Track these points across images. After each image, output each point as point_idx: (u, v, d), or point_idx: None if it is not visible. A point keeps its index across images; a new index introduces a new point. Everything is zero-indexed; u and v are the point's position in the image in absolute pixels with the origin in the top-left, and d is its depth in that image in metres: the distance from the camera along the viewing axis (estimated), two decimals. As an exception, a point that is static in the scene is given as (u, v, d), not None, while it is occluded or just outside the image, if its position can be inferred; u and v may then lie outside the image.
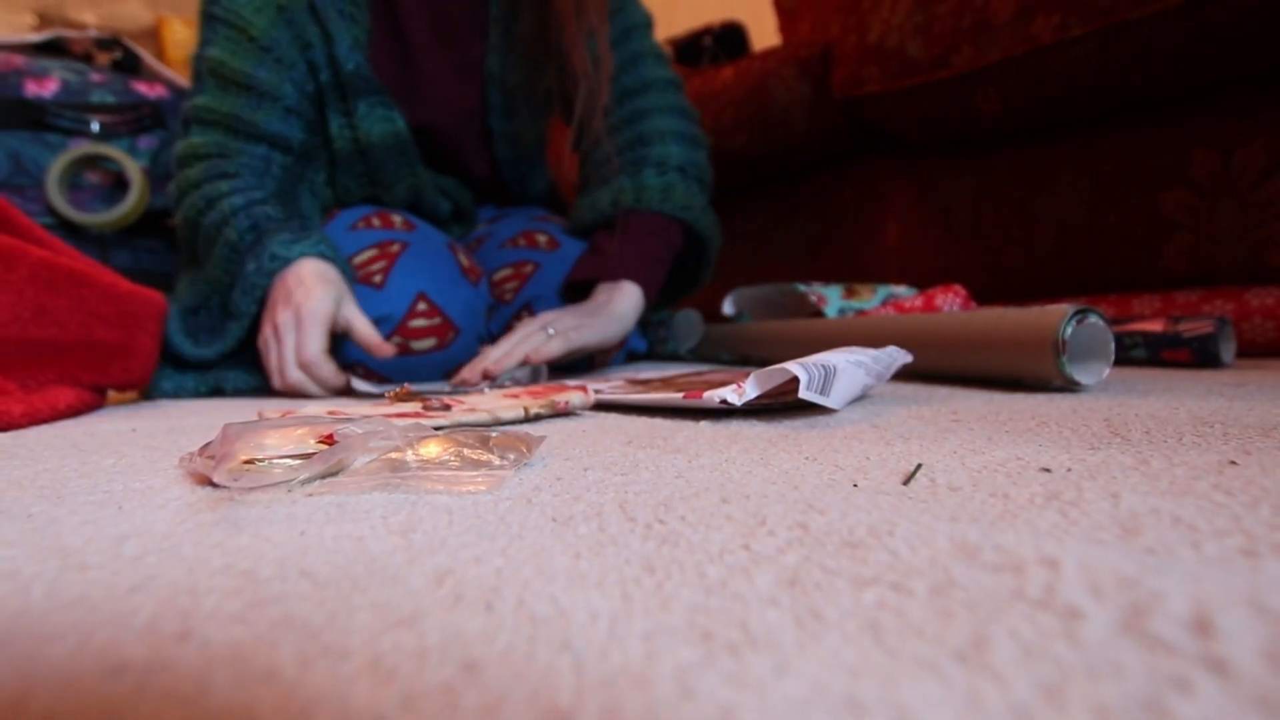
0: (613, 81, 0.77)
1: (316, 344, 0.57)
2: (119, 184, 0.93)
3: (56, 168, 0.87)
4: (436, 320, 0.67)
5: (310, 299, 0.58)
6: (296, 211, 0.70)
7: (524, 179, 0.90)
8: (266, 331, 0.59)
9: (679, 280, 0.84)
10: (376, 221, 0.72)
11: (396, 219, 0.73)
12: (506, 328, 0.75)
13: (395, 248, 0.69)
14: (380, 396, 0.54)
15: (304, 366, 0.57)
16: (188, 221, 0.68)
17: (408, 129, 0.75)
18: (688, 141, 0.79)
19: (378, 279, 0.66)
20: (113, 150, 0.91)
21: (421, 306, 0.66)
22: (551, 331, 0.62)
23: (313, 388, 0.58)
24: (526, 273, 0.77)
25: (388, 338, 0.66)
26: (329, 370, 0.58)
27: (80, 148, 0.89)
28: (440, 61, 0.78)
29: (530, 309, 0.76)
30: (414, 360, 0.68)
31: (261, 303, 0.62)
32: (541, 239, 0.80)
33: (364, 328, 0.60)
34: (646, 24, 0.82)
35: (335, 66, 0.71)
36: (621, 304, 0.70)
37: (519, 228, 0.82)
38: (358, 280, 0.67)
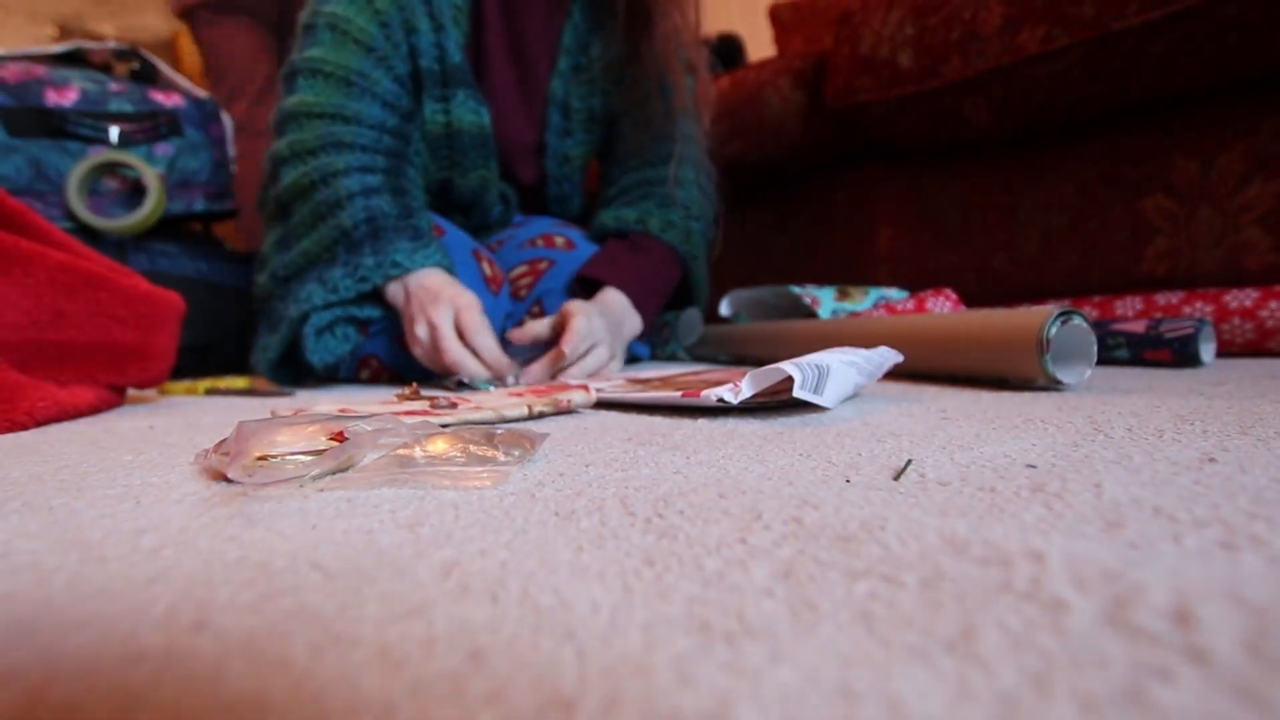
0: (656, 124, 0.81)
1: (490, 337, 0.61)
2: (136, 190, 0.93)
3: (76, 174, 0.87)
4: None
5: (463, 296, 0.62)
6: (408, 204, 0.70)
7: (565, 197, 0.92)
8: (419, 330, 0.62)
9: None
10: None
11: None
12: (519, 325, 0.75)
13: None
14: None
15: (487, 354, 0.61)
16: (296, 190, 0.68)
17: (490, 125, 0.78)
18: (706, 198, 0.84)
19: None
20: (130, 157, 0.91)
21: None
22: (605, 352, 0.65)
23: (473, 364, 0.60)
24: (541, 269, 0.78)
25: (401, 335, 0.67)
26: (502, 359, 0.61)
27: (99, 155, 0.89)
28: (508, 78, 0.81)
29: (540, 304, 0.76)
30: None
31: (367, 294, 0.66)
32: (559, 240, 0.81)
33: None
34: (690, 85, 0.84)
35: (444, 57, 0.74)
36: (628, 331, 0.72)
37: (541, 230, 0.84)
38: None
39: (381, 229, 0.65)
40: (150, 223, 0.92)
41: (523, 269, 0.79)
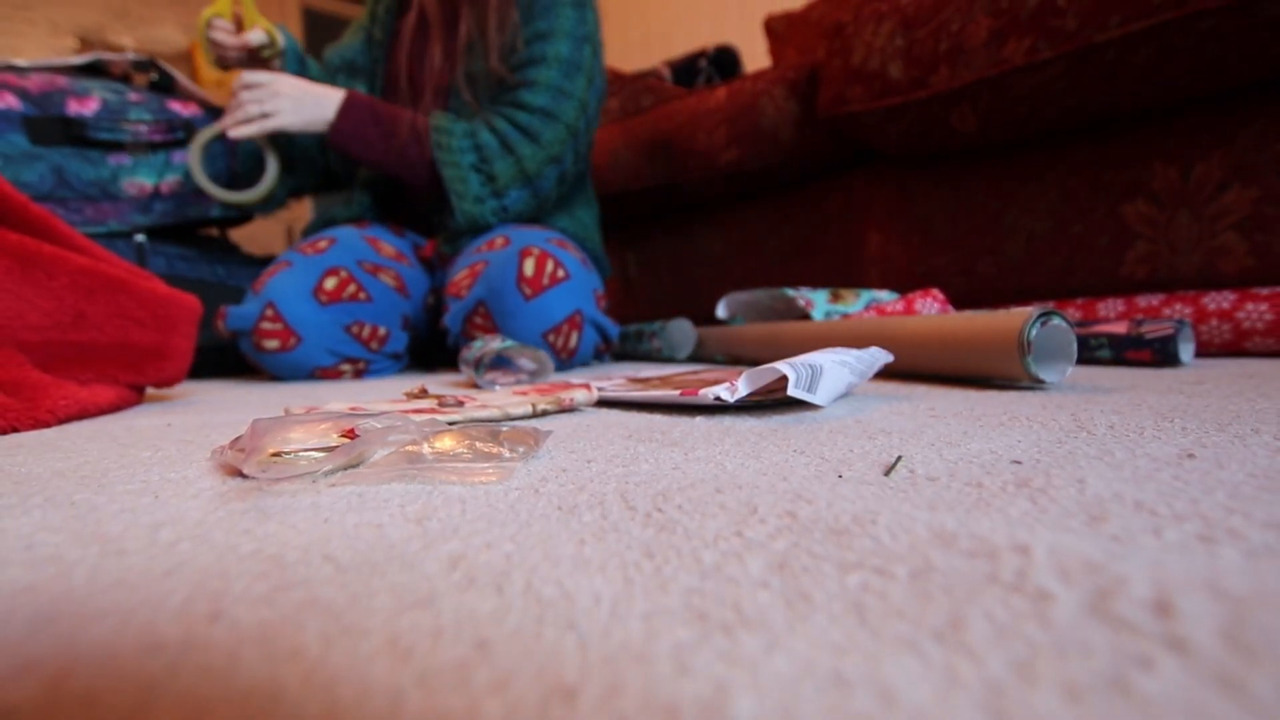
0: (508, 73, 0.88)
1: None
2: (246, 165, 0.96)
3: (196, 146, 0.88)
4: (279, 326, 0.77)
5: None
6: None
7: None
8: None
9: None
10: (314, 245, 0.84)
11: (323, 244, 0.84)
12: (465, 321, 0.80)
13: (282, 265, 0.80)
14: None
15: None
16: None
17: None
18: (506, 144, 0.85)
19: (256, 287, 0.79)
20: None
21: (269, 313, 0.76)
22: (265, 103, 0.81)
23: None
24: (478, 270, 0.80)
25: (250, 334, 0.77)
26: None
27: (210, 128, 0.89)
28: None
29: (484, 304, 0.78)
30: (268, 357, 0.78)
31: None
32: (499, 241, 0.82)
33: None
34: (549, 59, 0.86)
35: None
36: (307, 113, 0.82)
37: (488, 236, 0.85)
38: (252, 287, 0.80)
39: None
40: (271, 194, 0.94)
41: (464, 273, 0.81)
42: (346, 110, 0.83)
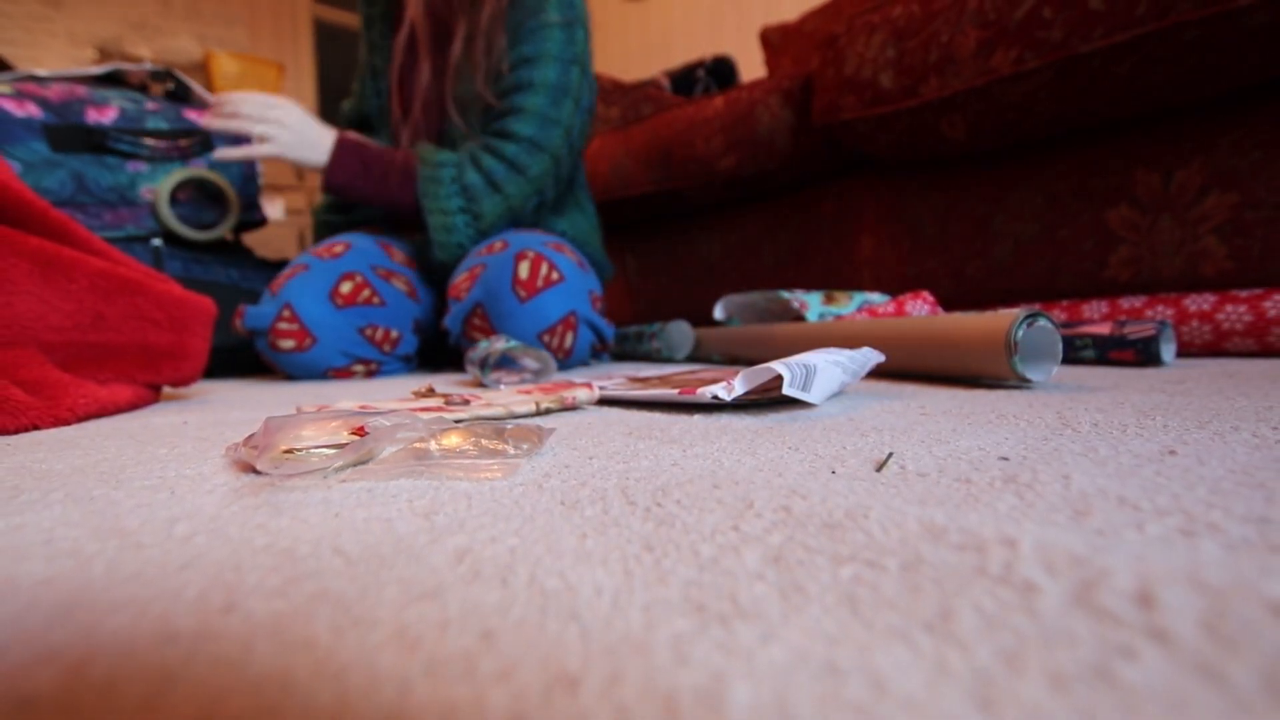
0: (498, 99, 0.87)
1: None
2: (211, 199, 0.97)
3: (164, 189, 0.91)
4: (295, 327, 0.77)
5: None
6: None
7: None
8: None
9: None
10: (329, 249, 0.84)
11: (338, 248, 0.84)
12: (465, 323, 0.79)
13: (299, 268, 0.81)
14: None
15: None
16: None
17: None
18: (493, 182, 0.84)
19: (274, 288, 0.79)
20: (210, 173, 0.95)
21: (286, 313, 0.77)
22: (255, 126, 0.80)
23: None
24: (477, 273, 0.79)
25: (266, 333, 0.77)
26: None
27: (181, 171, 0.92)
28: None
29: (481, 307, 0.77)
30: (283, 356, 0.78)
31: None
32: (498, 245, 0.81)
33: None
34: (536, 85, 0.84)
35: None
36: (305, 146, 0.82)
37: (489, 240, 0.85)
38: (269, 288, 0.80)
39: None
40: (229, 228, 0.97)
41: (464, 276, 0.81)
42: (338, 158, 0.83)
